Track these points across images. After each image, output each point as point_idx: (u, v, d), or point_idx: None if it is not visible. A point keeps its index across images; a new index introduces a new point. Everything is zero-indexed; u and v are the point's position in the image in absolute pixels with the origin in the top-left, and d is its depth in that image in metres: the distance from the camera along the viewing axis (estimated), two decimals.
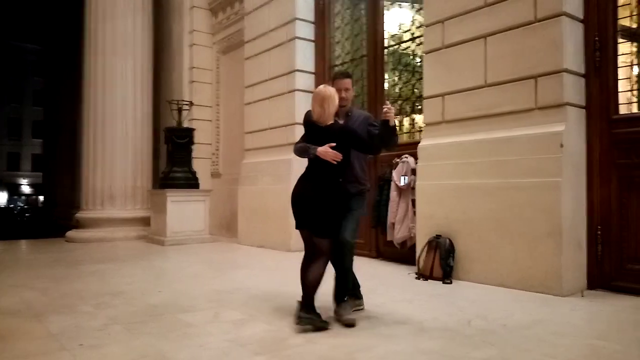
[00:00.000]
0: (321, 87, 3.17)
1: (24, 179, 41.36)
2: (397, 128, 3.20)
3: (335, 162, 2.99)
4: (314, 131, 3.13)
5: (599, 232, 4.01)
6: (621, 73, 4.03)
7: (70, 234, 8.53)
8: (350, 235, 3.19)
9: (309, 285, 3.03)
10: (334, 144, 2.99)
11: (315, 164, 3.11)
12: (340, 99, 3.19)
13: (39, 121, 32.11)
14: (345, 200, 3.19)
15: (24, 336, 2.87)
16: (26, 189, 41.41)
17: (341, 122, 3.20)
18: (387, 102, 3.21)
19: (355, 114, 3.39)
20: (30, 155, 40.31)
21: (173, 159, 8.33)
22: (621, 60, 4.05)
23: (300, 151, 3.19)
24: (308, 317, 2.94)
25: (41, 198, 30.61)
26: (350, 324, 3.03)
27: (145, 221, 8.67)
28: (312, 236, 3.09)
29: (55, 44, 17.33)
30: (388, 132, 3.06)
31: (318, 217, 3.05)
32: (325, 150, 2.99)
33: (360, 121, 3.32)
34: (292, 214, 3.20)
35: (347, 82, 3.37)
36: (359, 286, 3.46)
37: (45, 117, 20.92)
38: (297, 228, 3.19)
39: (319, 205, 3.04)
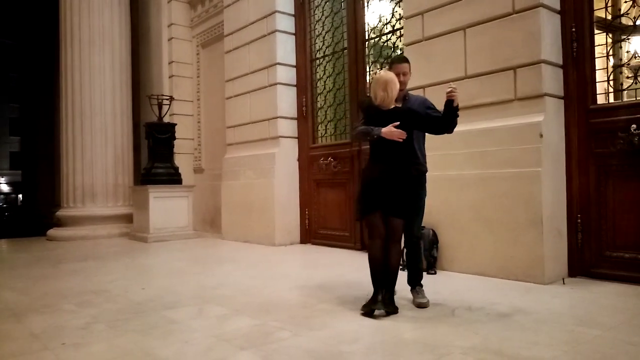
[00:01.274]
0: (382, 71, 3.26)
1: (2, 177, 40.48)
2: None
3: (401, 140, 3.06)
4: (378, 115, 3.17)
5: (579, 221, 4.09)
6: (598, 64, 4.10)
7: (52, 232, 8.40)
8: (417, 231, 3.48)
9: (394, 269, 3.14)
10: (397, 123, 3.06)
11: (380, 146, 3.16)
12: (400, 82, 3.24)
13: (15, 118, 31.46)
14: (412, 182, 3.24)
15: (5, 337, 2.82)
16: (5, 187, 40.55)
17: (399, 105, 3.25)
18: (452, 84, 3.23)
19: (412, 98, 3.43)
20: (8, 153, 39.42)
21: (154, 154, 8.24)
22: (598, 51, 4.12)
23: (362, 133, 3.23)
24: (386, 303, 3.06)
25: (20, 197, 30.05)
26: (422, 306, 3.25)
27: (127, 218, 8.57)
28: (387, 218, 3.13)
29: (30, 39, 16.92)
30: (452, 112, 3.14)
31: (395, 197, 3.12)
32: (390, 130, 3.06)
33: (418, 104, 3.35)
34: (360, 200, 3.26)
35: (405, 67, 3.41)
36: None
37: (21, 113, 20.49)
38: (365, 213, 3.21)
39: (394, 186, 3.11)
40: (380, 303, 3.05)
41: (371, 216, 3.18)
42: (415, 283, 3.44)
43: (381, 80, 3.15)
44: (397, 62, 3.47)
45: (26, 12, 16.31)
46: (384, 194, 3.13)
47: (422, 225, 4.64)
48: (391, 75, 3.20)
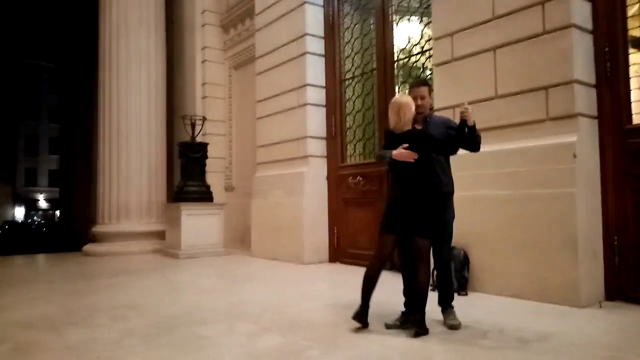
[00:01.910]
0: (397, 95, 3.41)
1: (40, 194, 41.96)
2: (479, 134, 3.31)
3: (412, 161, 3.12)
4: (392, 138, 3.27)
5: (616, 242, 3.97)
6: (633, 83, 4.02)
7: (87, 247, 8.64)
8: (446, 252, 3.46)
9: (422, 291, 3.12)
10: (406, 145, 3.14)
11: (397, 168, 3.24)
12: (417, 106, 3.30)
13: (55, 137, 32.71)
14: (432, 202, 3.25)
15: (42, 348, 2.92)
16: (43, 204, 41.97)
17: (419, 127, 3.31)
18: (465, 103, 3.27)
19: (433, 119, 3.45)
20: (47, 171, 40.95)
21: (187, 173, 8.42)
22: (633, 70, 4.05)
23: (379, 157, 3.37)
24: (417, 324, 3.07)
25: (57, 213, 31.02)
26: (454, 328, 3.21)
27: (160, 235, 8.75)
28: (412, 240, 3.17)
29: (70, 61, 17.70)
30: (469, 132, 3.17)
31: (415, 217, 3.15)
32: (400, 152, 3.14)
33: (439, 125, 3.38)
34: (381, 221, 3.30)
35: (423, 90, 3.44)
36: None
37: (61, 133, 21.30)
38: (381, 233, 3.27)
39: (413, 206, 3.15)
40: (411, 324, 3.06)
41: (384, 236, 3.24)
42: (446, 304, 3.40)
43: (395, 105, 3.26)
44: (415, 85, 3.51)
45: (68, 37, 17.09)
46: (404, 215, 3.17)
47: (453, 245, 4.61)
48: (406, 99, 3.27)
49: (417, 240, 3.15)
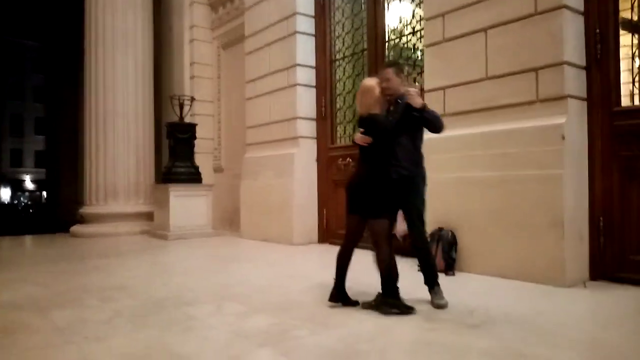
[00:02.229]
0: (365, 79, 3.44)
1: (27, 175, 41.49)
2: (438, 115, 3.35)
3: (366, 145, 3.22)
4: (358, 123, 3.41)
5: (601, 224, 4.02)
6: (623, 65, 4.03)
7: (75, 229, 8.58)
8: (419, 237, 3.44)
9: (381, 273, 3.24)
10: (362, 130, 3.28)
11: (360, 151, 3.35)
12: (383, 88, 3.31)
13: (40, 117, 32.15)
14: (396, 187, 3.27)
15: (30, 330, 2.90)
16: (29, 185, 41.54)
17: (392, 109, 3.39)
18: (415, 84, 3.25)
19: (402, 101, 3.39)
20: (33, 152, 40.41)
21: (175, 153, 8.36)
22: (623, 52, 4.05)
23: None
24: (391, 303, 3.15)
25: (44, 194, 30.71)
26: (440, 307, 3.23)
27: (148, 216, 8.70)
28: (365, 222, 3.26)
29: (55, 40, 17.30)
30: (420, 115, 3.21)
31: (368, 199, 3.22)
32: (356, 136, 3.31)
33: (402, 108, 3.36)
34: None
35: (387, 72, 3.42)
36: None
37: (47, 113, 20.93)
38: (348, 214, 3.37)
39: (365, 188, 3.22)
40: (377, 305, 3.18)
41: (348, 217, 3.36)
42: (431, 284, 3.42)
43: (359, 90, 3.39)
44: (382, 68, 3.51)
45: (51, 14, 16.68)
46: (359, 197, 3.25)
47: (441, 227, 4.65)
48: (368, 83, 3.35)
49: (370, 222, 3.24)
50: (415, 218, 3.40)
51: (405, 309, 3.11)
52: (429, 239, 4.69)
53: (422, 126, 3.37)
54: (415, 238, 3.45)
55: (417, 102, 3.20)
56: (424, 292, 3.41)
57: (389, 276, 3.22)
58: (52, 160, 18.59)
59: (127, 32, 8.82)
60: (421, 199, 3.45)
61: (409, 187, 3.36)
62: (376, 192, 3.20)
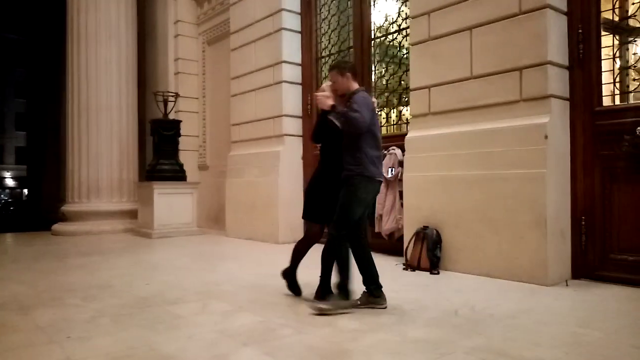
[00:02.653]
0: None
1: (7, 172, 40.68)
2: (352, 115, 3.10)
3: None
4: None
5: (583, 223, 4.08)
6: (604, 65, 4.08)
7: (56, 227, 8.45)
8: (333, 228, 3.29)
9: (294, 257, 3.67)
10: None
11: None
12: (332, 91, 3.36)
13: (22, 113, 31.57)
14: (339, 187, 3.29)
15: (11, 329, 2.85)
16: (10, 182, 40.75)
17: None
18: (323, 86, 3.34)
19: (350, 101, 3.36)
20: (13, 148, 39.63)
21: (159, 151, 8.27)
22: (604, 53, 4.10)
23: None
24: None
25: (25, 191, 30.19)
26: (319, 310, 3.12)
27: (132, 214, 8.61)
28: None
29: (36, 34, 17.00)
30: (332, 121, 3.21)
31: (305, 200, 3.52)
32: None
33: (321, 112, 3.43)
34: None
35: (331, 75, 3.45)
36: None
37: (28, 109, 20.58)
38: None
39: (307, 190, 3.47)
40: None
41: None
42: (322, 296, 3.35)
43: None
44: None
45: (33, 8, 16.38)
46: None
47: (426, 225, 4.68)
48: (322, 87, 3.45)
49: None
50: (344, 214, 3.23)
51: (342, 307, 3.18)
52: (412, 238, 4.73)
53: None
54: (332, 234, 3.30)
55: (323, 104, 3.26)
56: (408, 291, 3.43)
57: (325, 268, 3.39)
58: (33, 156, 18.29)
59: (110, 25, 8.71)
60: (353, 198, 3.24)
61: (348, 185, 3.25)
62: (313, 194, 3.47)
